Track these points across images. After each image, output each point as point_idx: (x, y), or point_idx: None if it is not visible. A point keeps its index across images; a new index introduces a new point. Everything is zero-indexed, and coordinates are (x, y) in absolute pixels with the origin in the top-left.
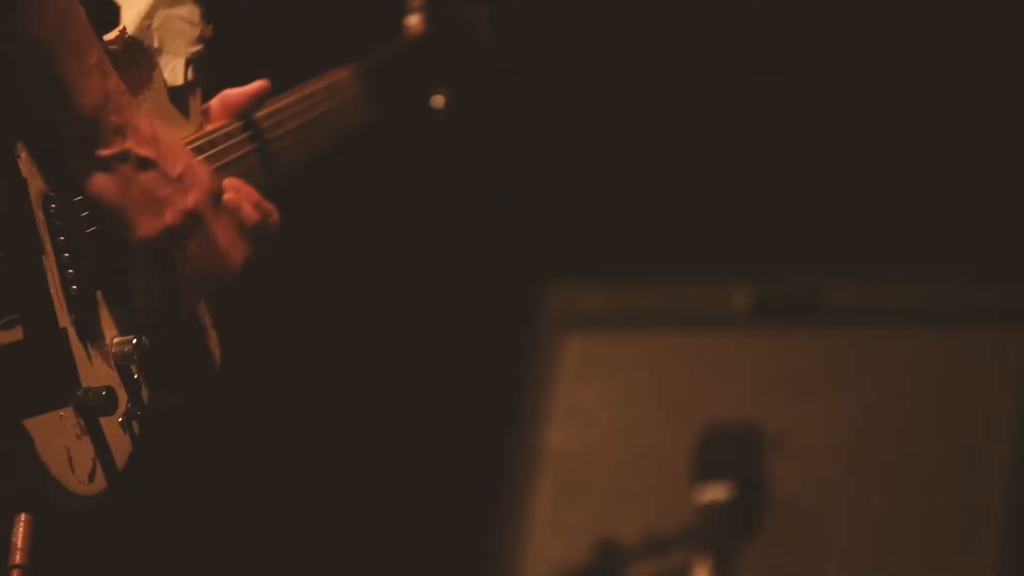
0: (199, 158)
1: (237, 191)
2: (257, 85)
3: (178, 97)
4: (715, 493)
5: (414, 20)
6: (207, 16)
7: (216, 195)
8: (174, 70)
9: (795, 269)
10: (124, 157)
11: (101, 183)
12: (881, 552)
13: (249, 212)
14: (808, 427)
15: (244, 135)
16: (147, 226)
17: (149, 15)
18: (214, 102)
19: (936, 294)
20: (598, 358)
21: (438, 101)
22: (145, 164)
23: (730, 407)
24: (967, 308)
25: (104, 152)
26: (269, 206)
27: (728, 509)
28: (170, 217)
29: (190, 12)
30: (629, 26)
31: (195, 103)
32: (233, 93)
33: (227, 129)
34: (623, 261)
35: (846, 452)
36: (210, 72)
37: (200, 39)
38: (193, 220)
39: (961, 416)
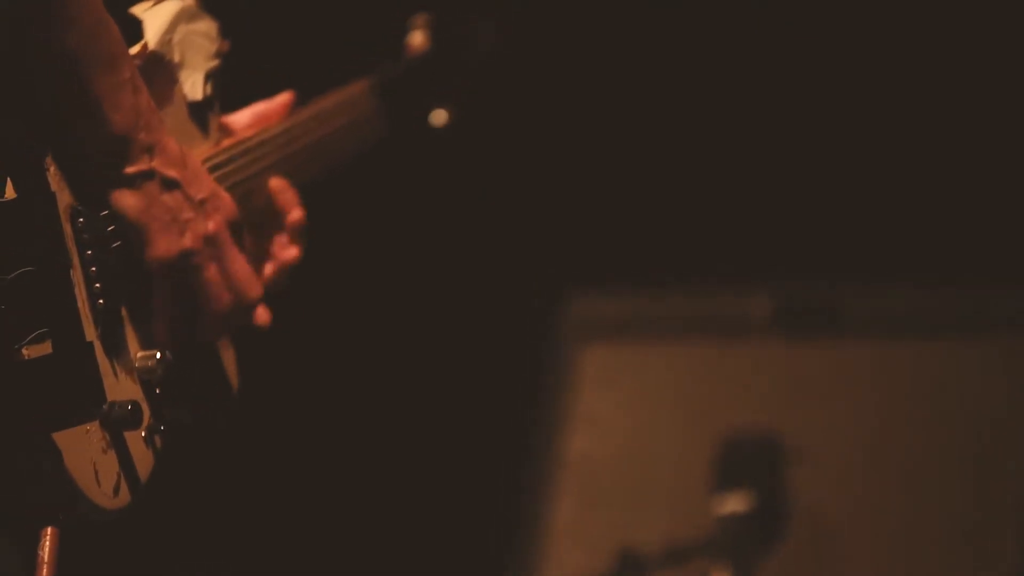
0: (227, 171)
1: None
2: (284, 97)
3: (197, 112)
4: (734, 502)
5: (418, 38)
6: (223, 31)
7: (237, 225)
8: (194, 85)
9: (814, 278)
10: (150, 175)
11: (125, 199)
12: (900, 562)
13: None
14: (827, 436)
15: (271, 146)
16: (165, 246)
17: (170, 30)
18: (241, 114)
19: (954, 303)
20: (618, 367)
21: (439, 118)
22: (170, 185)
23: (749, 416)
24: (985, 317)
25: (131, 169)
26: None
27: (747, 518)
28: (189, 240)
29: (208, 27)
30: (649, 35)
31: (213, 118)
32: (262, 106)
33: (250, 143)
34: (643, 270)
35: (864, 461)
36: (226, 87)
37: (217, 54)
38: (212, 246)
39: (979, 425)
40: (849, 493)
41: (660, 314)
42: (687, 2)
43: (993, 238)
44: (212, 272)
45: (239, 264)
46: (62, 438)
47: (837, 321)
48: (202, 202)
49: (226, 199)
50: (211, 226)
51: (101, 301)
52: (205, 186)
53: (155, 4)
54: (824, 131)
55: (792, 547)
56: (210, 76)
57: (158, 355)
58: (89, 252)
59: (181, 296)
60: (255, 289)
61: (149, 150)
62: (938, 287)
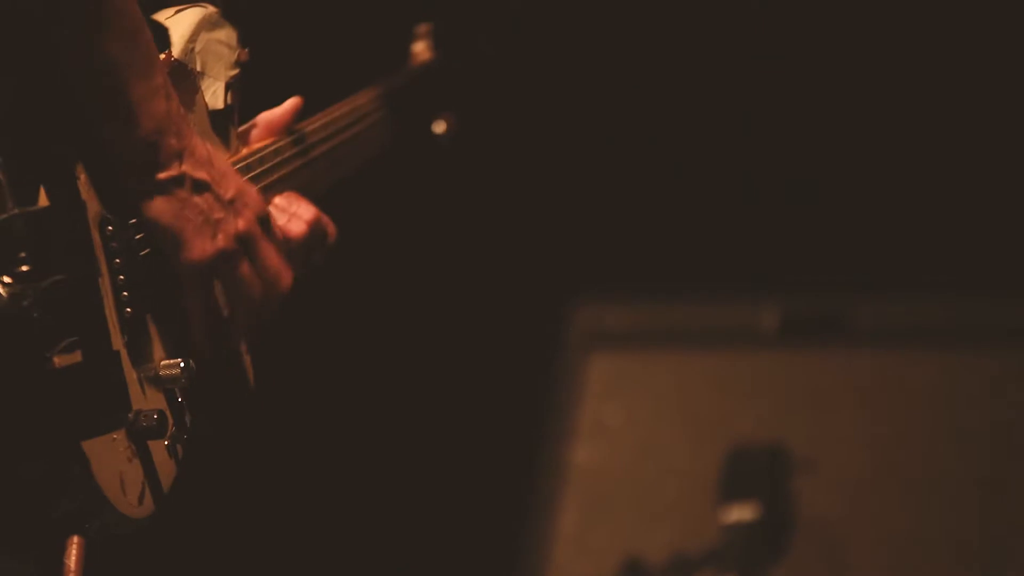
0: (248, 177)
1: (288, 208)
2: (291, 102)
3: (217, 121)
4: (741, 513)
5: (420, 47)
6: (243, 40)
7: (265, 219)
8: (215, 94)
9: (823, 288)
10: (180, 181)
11: (157, 206)
12: (907, 573)
13: (301, 230)
14: (834, 447)
15: (287, 154)
16: (200, 249)
17: (192, 38)
18: (252, 125)
19: (964, 314)
20: (624, 377)
21: (440, 127)
22: (200, 187)
23: (756, 426)
24: (995, 328)
25: (162, 175)
26: (326, 220)
27: (754, 529)
28: (222, 240)
29: (228, 36)
30: (657, 46)
31: (232, 127)
32: (271, 114)
33: (270, 149)
34: (650, 280)
35: (873, 473)
36: (244, 96)
37: (237, 63)
38: (244, 243)
39: (988, 437)
40: (857, 504)
41: (667, 324)
42: (694, 11)
43: (1003, 248)
44: (245, 269)
45: (271, 257)
46: (90, 447)
47: (845, 332)
48: (231, 201)
49: (253, 194)
50: (242, 224)
51: (128, 310)
52: (233, 184)
53: (177, 12)
54: (834, 142)
55: (799, 557)
56: (230, 85)
57: (182, 364)
58: (117, 260)
59: (214, 296)
60: (286, 279)
61: (179, 155)
62: (947, 298)
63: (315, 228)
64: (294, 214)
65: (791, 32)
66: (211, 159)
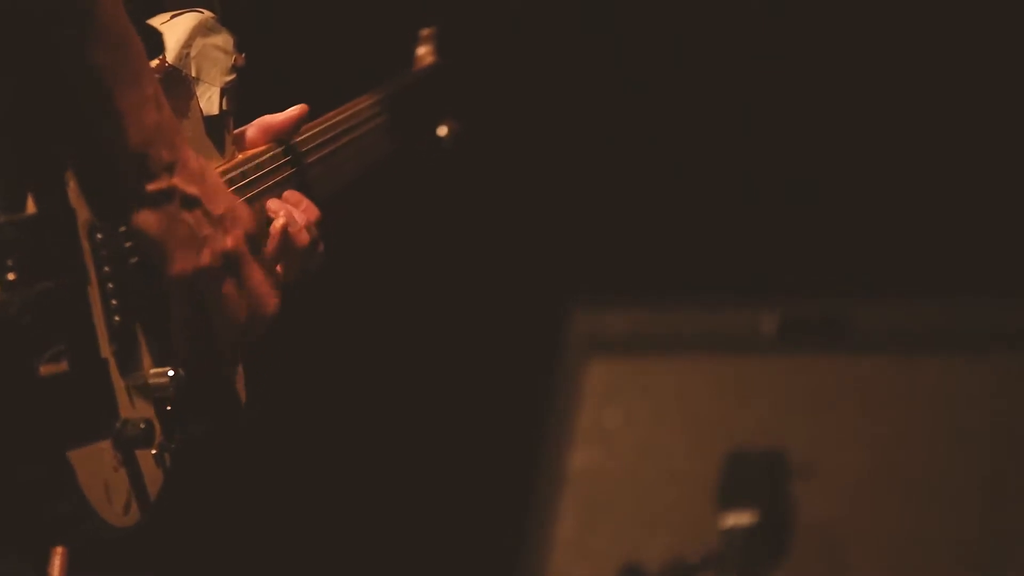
0: (243, 183)
1: (289, 210)
2: (296, 110)
3: (212, 127)
4: (739, 517)
5: (423, 51)
6: (239, 45)
7: (255, 238)
8: (210, 99)
9: (823, 293)
10: (170, 194)
11: (145, 217)
12: (907, 574)
13: (303, 235)
14: (834, 452)
15: (284, 160)
16: (183, 263)
17: (187, 44)
18: (251, 128)
19: (964, 318)
20: (623, 381)
21: (443, 131)
22: (190, 202)
23: (756, 431)
24: (995, 332)
25: (151, 187)
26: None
27: (752, 533)
28: (207, 257)
29: (224, 41)
30: (658, 51)
31: (227, 134)
32: (272, 119)
33: (268, 155)
34: (649, 284)
35: (872, 477)
36: (241, 102)
37: (233, 68)
38: (229, 262)
39: (988, 441)
40: (857, 505)
41: (667, 328)
42: (694, 11)
43: (1002, 251)
44: (229, 287)
45: (256, 278)
46: (76, 456)
47: (845, 336)
48: (220, 218)
49: (244, 212)
50: (229, 242)
51: (117, 318)
52: (223, 201)
53: (172, 17)
54: (834, 143)
55: (799, 559)
56: (226, 91)
57: (170, 372)
58: (106, 268)
59: (199, 312)
60: (272, 302)
61: (169, 168)
62: (948, 301)
63: (314, 231)
64: (294, 217)
65: (791, 32)
66: (203, 173)
